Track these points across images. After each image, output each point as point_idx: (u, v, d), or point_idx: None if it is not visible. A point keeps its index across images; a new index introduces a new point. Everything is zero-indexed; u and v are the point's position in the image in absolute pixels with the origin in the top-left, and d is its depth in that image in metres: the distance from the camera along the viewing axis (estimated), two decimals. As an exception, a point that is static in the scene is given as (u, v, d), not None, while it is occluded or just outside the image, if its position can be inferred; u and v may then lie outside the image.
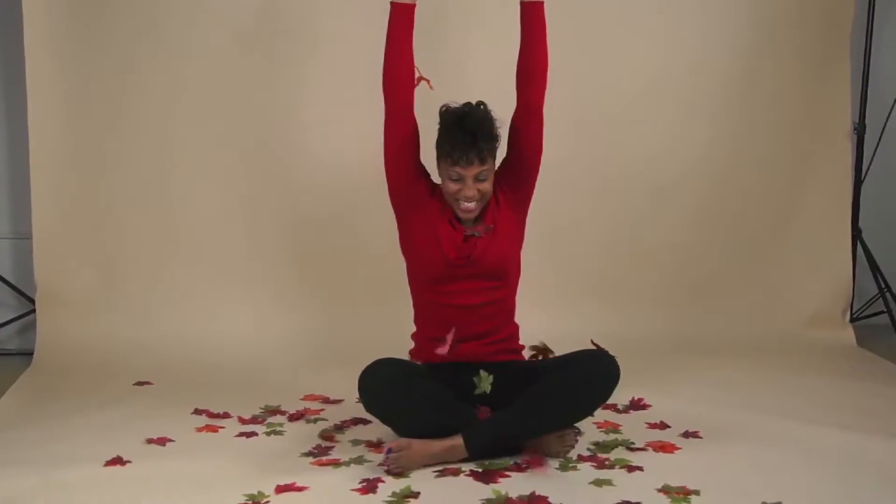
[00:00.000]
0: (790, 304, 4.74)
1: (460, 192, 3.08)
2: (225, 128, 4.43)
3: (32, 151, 4.33)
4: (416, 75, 3.17)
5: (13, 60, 4.41)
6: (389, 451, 2.92)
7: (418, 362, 3.23)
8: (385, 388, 3.04)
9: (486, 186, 3.10)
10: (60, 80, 4.33)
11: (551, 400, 3.02)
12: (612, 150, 4.62)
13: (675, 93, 4.62)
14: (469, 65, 4.40)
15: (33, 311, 4.46)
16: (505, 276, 3.21)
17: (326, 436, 3.30)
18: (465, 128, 3.05)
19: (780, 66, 4.65)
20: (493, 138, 3.10)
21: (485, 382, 3.13)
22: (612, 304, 4.60)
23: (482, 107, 3.14)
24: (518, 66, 3.22)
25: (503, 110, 3.18)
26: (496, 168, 3.18)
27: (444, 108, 3.14)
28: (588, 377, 3.07)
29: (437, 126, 3.14)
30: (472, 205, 3.09)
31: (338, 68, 4.41)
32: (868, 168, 4.90)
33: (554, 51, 4.48)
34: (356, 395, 3.18)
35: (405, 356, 3.28)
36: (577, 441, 3.07)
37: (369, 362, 3.10)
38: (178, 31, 4.36)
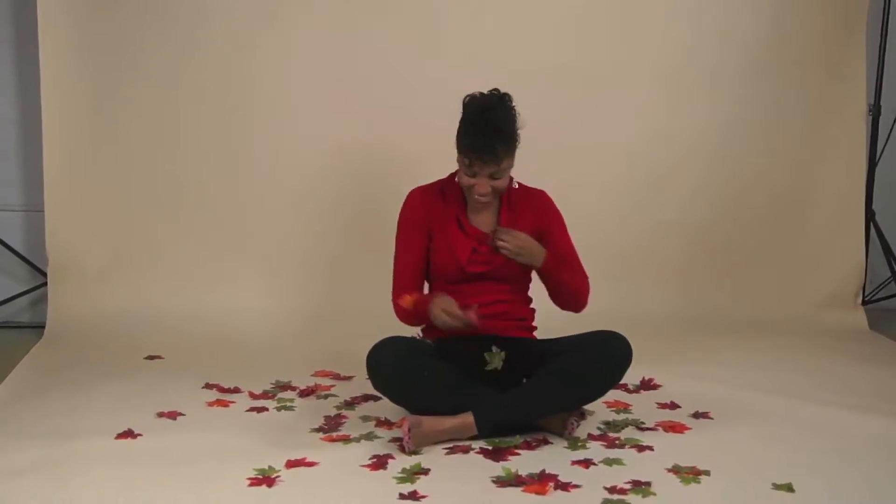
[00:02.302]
0: (802, 286, 4.74)
1: (474, 187, 3.10)
2: (236, 102, 4.43)
3: (45, 124, 4.32)
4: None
5: (26, 34, 4.40)
6: (410, 428, 2.92)
7: (429, 340, 3.23)
8: (393, 366, 3.04)
9: (501, 184, 3.12)
10: (73, 55, 4.32)
11: (563, 381, 3.02)
12: (626, 128, 4.61)
13: (691, 73, 4.61)
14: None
15: (45, 284, 4.47)
16: (520, 280, 3.24)
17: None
18: (485, 126, 3.04)
19: (796, 49, 4.64)
20: (511, 139, 3.08)
21: (496, 359, 3.12)
22: (622, 284, 4.59)
23: (505, 101, 3.12)
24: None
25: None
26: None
27: (467, 99, 3.13)
28: (600, 358, 3.07)
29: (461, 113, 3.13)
30: (485, 199, 3.12)
31: (351, 51, 4.42)
32: (883, 150, 4.88)
33: (578, 28, 4.51)
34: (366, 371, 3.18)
35: (416, 332, 3.28)
36: (578, 424, 3.07)
37: (379, 339, 3.10)
38: (191, 4, 4.35)
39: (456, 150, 3.12)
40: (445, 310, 3.03)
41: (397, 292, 3.24)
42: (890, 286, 4.97)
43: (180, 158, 4.45)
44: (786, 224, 4.77)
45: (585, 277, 3.27)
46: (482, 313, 3.07)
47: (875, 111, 4.80)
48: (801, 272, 4.75)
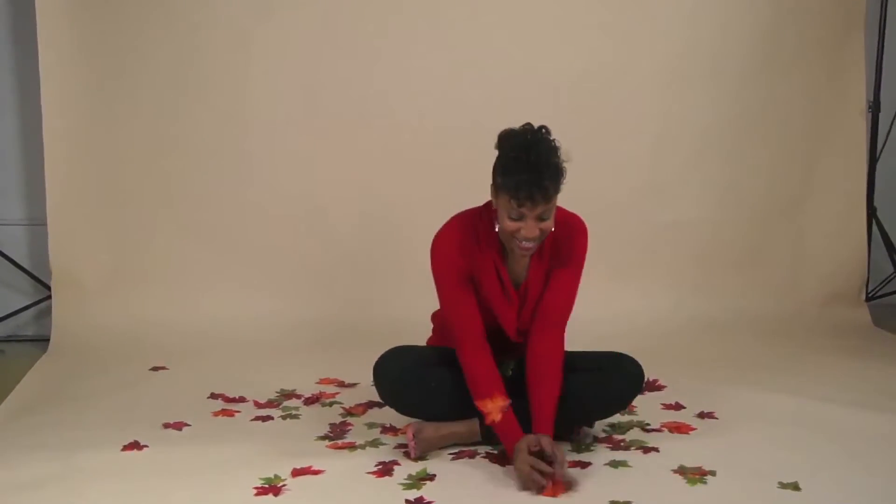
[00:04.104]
0: (805, 283, 4.74)
1: (520, 231, 2.79)
2: (238, 109, 4.43)
3: (46, 138, 4.33)
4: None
5: (26, 46, 4.41)
6: (415, 434, 2.92)
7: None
8: (399, 378, 3.03)
9: (548, 226, 2.81)
10: (73, 69, 4.33)
11: (572, 401, 2.95)
12: (627, 131, 4.62)
13: (689, 71, 4.61)
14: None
15: (49, 297, 4.48)
16: None
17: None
18: (530, 163, 2.73)
19: (794, 46, 4.64)
20: (560, 174, 2.78)
21: (505, 366, 3.12)
22: (624, 282, 4.60)
23: (544, 134, 2.82)
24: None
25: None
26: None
27: (504, 134, 2.83)
28: (611, 383, 3.03)
29: (496, 150, 2.84)
30: (531, 245, 2.82)
31: (358, 46, 4.43)
32: (883, 146, 4.88)
33: (579, 34, 4.50)
34: (371, 378, 3.18)
35: (423, 337, 3.27)
36: (586, 432, 3.07)
37: (385, 347, 3.10)
38: (188, 11, 4.36)
39: (494, 193, 2.84)
40: (533, 466, 2.72)
41: (471, 351, 2.92)
42: (893, 282, 4.96)
43: (182, 170, 4.46)
44: (787, 222, 4.77)
45: (560, 353, 2.96)
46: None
47: (875, 107, 4.81)
48: (804, 270, 4.75)
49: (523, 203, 2.74)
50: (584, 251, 3.00)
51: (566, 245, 2.97)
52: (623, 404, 3.13)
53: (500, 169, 2.80)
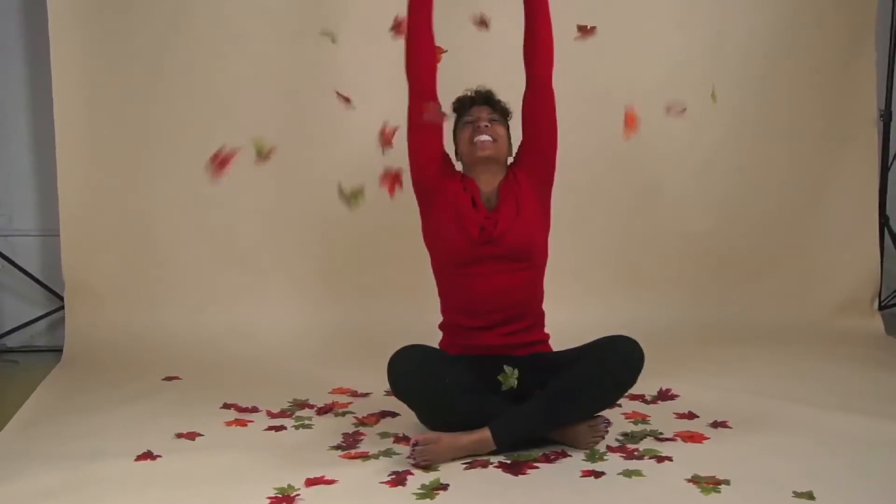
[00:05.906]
0: (818, 292, 4.73)
1: (475, 126, 3.21)
2: (252, 119, 4.43)
3: (59, 149, 4.35)
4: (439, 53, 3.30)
5: (38, 58, 4.43)
6: (415, 444, 2.92)
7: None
8: (415, 372, 3.03)
9: (500, 130, 3.23)
10: (86, 78, 4.35)
11: (575, 388, 3.00)
12: (635, 138, 4.60)
13: (698, 78, 4.59)
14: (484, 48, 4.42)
15: (62, 307, 4.49)
16: (529, 257, 3.19)
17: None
18: (476, 94, 3.33)
19: (804, 54, 4.64)
20: (501, 103, 3.32)
21: (511, 379, 3.13)
22: (637, 292, 4.60)
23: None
24: (524, 42, 3.30)
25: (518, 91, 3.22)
26: (517, 151, 3.32)
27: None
28: (610, 362, 3.06)
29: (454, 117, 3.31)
30: (486, 137, 3.19)
31: (366, 58, 4.42)
32: (895, 155, 4.86)
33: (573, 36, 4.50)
34: (384, 388, 3.17)
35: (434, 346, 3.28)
36: (606, 431, 3.06)
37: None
38: (205, 18, 4.38)
39: (455, 140, 3.29)
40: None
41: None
42: (906, 291, 4.96)
43: (195, 181, 4.43)
44: (800, 231, 4.76)
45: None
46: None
47: (886, 116, 4.81)
48: (816, 279, 4.75)
49: (470, 110, 3.27)
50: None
51: (516, 161, 3.32)
52: (625, 383, 3.09)
53: (455, 115, 3.33)
